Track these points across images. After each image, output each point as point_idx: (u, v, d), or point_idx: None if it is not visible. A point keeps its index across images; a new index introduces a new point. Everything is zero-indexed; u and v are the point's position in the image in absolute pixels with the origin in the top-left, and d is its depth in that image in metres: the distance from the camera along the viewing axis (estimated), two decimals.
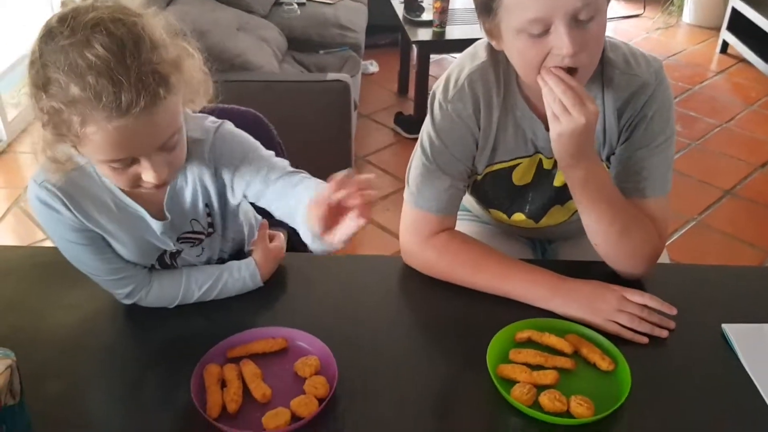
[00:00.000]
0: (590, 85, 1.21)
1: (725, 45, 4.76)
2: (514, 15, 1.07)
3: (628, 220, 1.21)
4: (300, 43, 3.60)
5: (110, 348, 1.18)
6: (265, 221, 1.34)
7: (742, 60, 4.61)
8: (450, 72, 1.27)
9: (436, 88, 1.28)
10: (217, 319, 1.21)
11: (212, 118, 1.19)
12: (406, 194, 1.32)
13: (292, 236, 1.70)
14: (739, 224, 3.03)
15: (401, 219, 1.33)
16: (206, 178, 1.17)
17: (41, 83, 0.92)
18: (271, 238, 1.32)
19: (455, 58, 1.31)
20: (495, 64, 1.23)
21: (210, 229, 1.24)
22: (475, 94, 1.23)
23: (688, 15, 5.30)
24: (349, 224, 0.93)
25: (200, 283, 1.23)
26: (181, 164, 1.07)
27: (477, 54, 1.26)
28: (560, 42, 1.05)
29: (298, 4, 3.86)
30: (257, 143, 1.21)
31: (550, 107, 1.09)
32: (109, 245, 1.17)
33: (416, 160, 1.30)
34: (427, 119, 1.28)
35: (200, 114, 1.17)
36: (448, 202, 1.28)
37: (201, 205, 1.20)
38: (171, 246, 1.21)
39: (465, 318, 1.22)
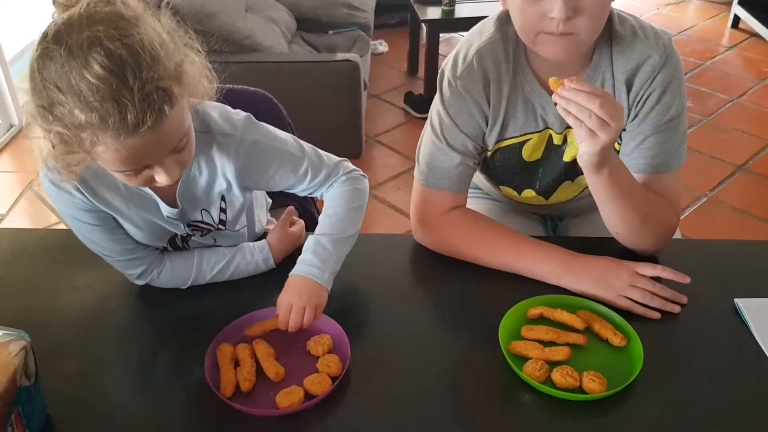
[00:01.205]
0: (598, 57, 1.21)
1: (737, 19, 4.71)
2: None
3: (648, 206, 1.21)
4: (309, 24, 3.59)
5: (124, 329, 1.18)
6: (292, 208, 1.33)
7: (754, 34, 4.56)
8: (458, 49, 1.27)
9: (445, 65, 1.27)
10: (229, 299, 1.22)
11: (236, 111, 1.17)
12: (416, 173, 1.32)
13: (303, 215, 1.71)
14: (751, 199, 3.02)
15: (412, 197, 1.33)
16: (228, 173, 1.15)
17: (46, 104, 0.90)
18: (292, 224, 1.32)
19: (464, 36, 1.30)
20: (504, 39, 1.23)
21: (221, 226, 1.23)
22: (485, 70, 1.22)
23: None
24: None
25: (212, 263, 1.23)
26: (191, 157, 1.05)
27: (485, 30, 1.25)
28: (553, 4, 1.05)
29: None
30: (283, 141, 1.20)
31: (578, 130, 1.05)
32: (121, 226, 1.18)
33: (426, 138, 1.30)
34: (437, 97, 1.28)
35: (218, 104, 1.14)
36: (459, 180, 1.28)
37: (216, 195, 1.18)
38: (182, 230, 1.21)
39: (477, 295, 1.22)
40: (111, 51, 0.87)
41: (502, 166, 1.35)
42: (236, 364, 1.06)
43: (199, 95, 1.02)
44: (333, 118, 2.98)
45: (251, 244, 1.27)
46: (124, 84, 0.87)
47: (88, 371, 1.09)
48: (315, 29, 3.58)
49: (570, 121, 1.05)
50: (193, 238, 1.25)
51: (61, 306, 1.21)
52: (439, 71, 1.28)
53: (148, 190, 1.14)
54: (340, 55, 2.96)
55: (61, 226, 2.86)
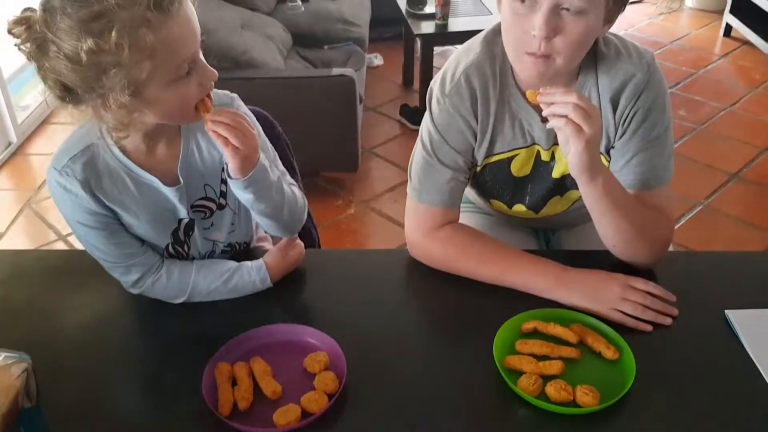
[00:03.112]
0: (584, 77, 1.23)
1: (729, 28, 4.74)
2: None
3: (642, 218, 1.22)
4: (304, 39, 3.62)
5: (123, 348, 1.20)
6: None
7: (746, 43, 4.59)
8: (446, 68, 1.29)
9: (434, 83, 1.30)
10: (225, 317, 1.23)
11: (225, 91, 1.26)
12: (408, 189, 1.34)
13: (299, 232, 1.73)
14: (746, 207, 3.04)
15: (405, 213, 1.35)
16: None
17: (96, 30, 0.95)
18: (292, 247, 1.33)
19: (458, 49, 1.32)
20: (491, 57, 1.25)
21: (222, 200, 1.27)
22: (472, 88, 1.25)
23: None
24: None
25: (209, 281, 1.25)
26: (215, 80, 1.11)
27: (472, 49, 1.27)
28: (536, 21, 1.08)
29: (302, 0, 3.87)
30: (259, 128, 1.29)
31: (563, 131, 1.09)
32: (124, 228, 1.21)
33: (417, 155, 1.32)
34: (426, 114, 1.30)
35: None
36: (450, 195, 1.30)
37: (217, 165, 1.24)
38: (184, 213, 1.24)
39: (471, 310, 1.24)
40: None
41: (492, 181, 1.37)
42: (234, 382, 1.07)
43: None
44: (329, 132, 3.01)
45: (249, 263, 1.28)
46: None
47: (89, 391, 1.10)
48: (311, 44, 3.60)
49: (555, 123, 1.09)
50: (194, 231, 1.27)
51: (61, 326, 1.23)
52: (428, 89, 1.31)
53: (149, 176, 1.18)
54: (336, 70, 2.98)
55: (60, 246, 2.88)
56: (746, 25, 4.46)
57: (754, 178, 3.24)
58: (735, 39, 4.72)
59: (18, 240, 2.93)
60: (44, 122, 3.83)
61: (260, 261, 1.28)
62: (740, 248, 2.77)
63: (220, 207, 1.29)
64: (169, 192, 1.20)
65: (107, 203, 1.17)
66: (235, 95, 1.27)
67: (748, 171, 3.29)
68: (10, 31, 1.00)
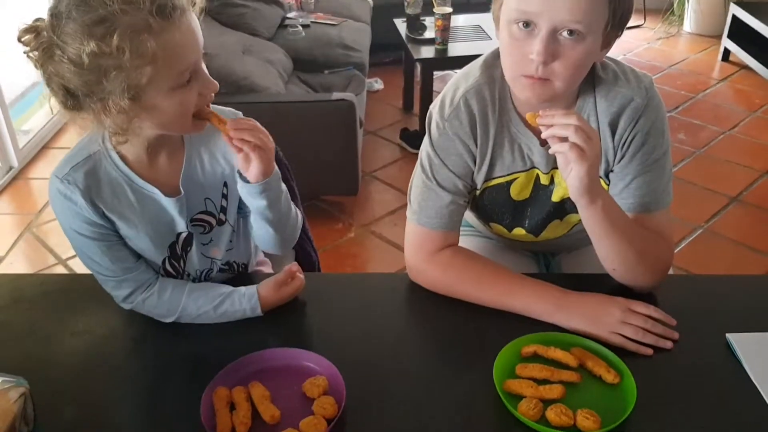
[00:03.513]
0: (582, 101, 1.24)
1: (727, 52, 4.77)
2: (512, 4, 1.11)
3: (642, 241, 1.22)
4: (305, 64, 3.64)
5: (121, 373, 1.19)
6: (292, 268, 1.31)
7: (744, 67, 4.62)
8: (445, 92, 1.30)
9: (433, 107, 1.31)
10: (224, 341, 1.23)
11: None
12: (408, 212, 1.34)
13: (300, 253, 1.73)
14: (746, 231, 3.04)
15: (405, 237, 1.35)
16: (229, 155, 1.25)
17: (98, 34, 0.98)
18: (289, 282, 1.30)
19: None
20: (490, 82, 1.26)
21: (222, 215, 1.29)
22: (471, 112, 1.25)
23: (688, 24, 5.33)
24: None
25: (200, 304, 1.25)
26: (216, 91, 1.14)
27: (471, 73, 1.28)
28: (534, 46, 1.09)
29: (303, 26, 3.91)
30: None
31: (564, 154, 1.08)
32: (122, 242, 1.22)
33: (417, 178, 1.32)
34: (426, 138, 1.31)
35: None
36: (450, 218, 1.30)
37: (219, 179, 1.26)
38: (183, 226, 1.25)
39: (471, 333, 1.23)
40: None
41: (491, 205, 1.38)
42: (232, 407, 1.07)
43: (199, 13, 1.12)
44: (330, 156, 3.02)
45: (242, 290, 1.27)
46: None
47: (86, 416, 1.09)
48: (311, 69, 3.63)
49: (557, 147, 1.09)
50: (192, 247, 1.28)
51: (59, 351, 1.22)
52: (428, 113, 1.32)
53: (150, 186, 1.20)
54: (336, 95, 3.00)
55: (60, 269, 2.88)
56: (744, 49, 4.49)
57: (754, 202, 3.24)
58: (733, 63, 4.76)
59: (18, 264, 2.93)
60: (45, 147, 3.85)
61: (253, 289, 1.27)
62: (741, 272, 2.77)
63: (220, 222, 1.30)
64: (169, 203, 1.21)
65: (107, 213, 1.18)
66: (239, 113, 1.28)
67: (748, 194, 3.30)
68: (20, 39, 1.04)
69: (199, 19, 1.09)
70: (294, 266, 1.31)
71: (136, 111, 1.05)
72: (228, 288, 1.28)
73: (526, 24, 1.09)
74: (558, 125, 1.08)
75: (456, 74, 1.33)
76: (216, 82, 1.12)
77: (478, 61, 1.29)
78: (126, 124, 1.07)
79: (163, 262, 1.28)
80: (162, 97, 1.06)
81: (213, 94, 1.13)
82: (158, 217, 1.23)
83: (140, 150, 1.18)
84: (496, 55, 1.26)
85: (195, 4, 1.09)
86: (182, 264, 1.30)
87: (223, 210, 1.29)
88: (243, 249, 1.38)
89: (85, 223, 1.17)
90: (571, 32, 1.08)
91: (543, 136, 1.11)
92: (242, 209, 1.34)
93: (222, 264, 1.35)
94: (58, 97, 1.05)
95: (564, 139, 1.08)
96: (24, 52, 1.04)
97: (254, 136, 1.13)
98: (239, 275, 1.40)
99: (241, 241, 1.36)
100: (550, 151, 1.12)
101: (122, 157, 1.18)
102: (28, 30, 1.03)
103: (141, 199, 1.20)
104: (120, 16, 0.98)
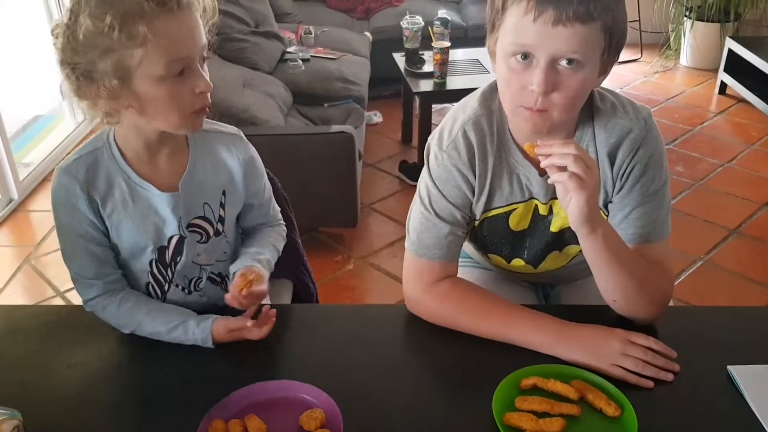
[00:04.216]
0: (581, 132, 1.25)
1: (723, 86, 4.81)
2: (508, 38, 1.12)
3: (642, 272, 1.22)
4: (305, 97, 3.67)
5: (116, 406, 1.18)
6: (273, 311, 1.29)
7: (741, 100, 4.66)
8: (444, 124, 1.31)
9: (431, 139, 1.31)
10: (221, 373, 1.22)
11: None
12: (407, 243, 1.34)
13: (298, 286, 1.72)
14: (746, 263, 3.03)
15: (404, 268, 1.34)
16: (231, 165, 1.32)
17: (96, 13, 1.05)
18: (246, 330, 1.26)
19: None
20: (488, 113, 1.27)
21: (219, 225, 1.32)
22: (470, 143, 1.26)
23: (685, 58, 5.38)
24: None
25: (155, 324, 1.27)
26: (210, 91, 1.16)
27: (469, 105, 1.29)
28: (534, 78, 1.10)
29: (303, 60, 3.95)
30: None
31: (563, 184, 1.09)
32: (107, 245, 1.27)
33: (415, 209, 1.33)
34: (424, 170, 1.31)
35: None
36: (449, 250, 1.30)
37: (218, 186, 1.31)
38: (176, 228, 1.27)
39: (470, 366, 1.22)
40: None
41: (490, 236, 1.38)
42: None
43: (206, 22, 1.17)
44: (329, 188, 3.03)
45: (196, 320, 1.26)
46: None
47: None
48: (311, 102, 3.65)
49: (556, 177, 1.09)
50: (184, 251, 1.30)
51: (54, 383, 1.21)
52: (426, 145, 1.32)
53: (147, 184, 1.24)
54: (335, 127, 3.02)
55: (58, 301, 2.87)
56: (740, 83, 4.53)
57: (754, 234, 3.24)
58: (730, 96, 4.79)
59: (16, 296, 2.92)
60: (45, 179, 3.86)
61: (209, 323, 1.26)
62: (741, 304, 2.77)
63: (217, 233, 1.32)
64: (163, 199, 1.25)
65: (100, 207, 1.23)
66: (240, 132, 1.36)
67: (747, 226, 3.30)
68: (53, 32, 1.12)
69: (209, 23, 1.18)
70: (248, 323, 1.26)
71: (125, 95, 1.11)
72: (186, 315, 1.28)
73: (525, 56, 1.10)
74: (557, 155, 1.09)
75: (454, 106, 1.34)
76: (210, 83, 1.15)
77: (476, 94, 1.30)
78: (117, 106, 1.13)
79: (150, 264, 1.30)
80: (150, 85, 1.10)
81: (208, 95, 1.16)
82: (148, 215, 1.26)
83: (140, 147, 1.23)
84: (493, 88, 1.27)
85: (205, 9, 1.16)
86: (170, 273, 1.32)
87: (221, 220, 1.32)
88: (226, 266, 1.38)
89: (76, 216, 1.23)
90: (569, 61, 1.09)
91: (542, 165, 1.11)
92: (241, 226, 1.42)
93: (213, 273, 1.37)
94: (71, 81, 1.11)
95: (563, 169, 1.09)
96: (53, 44, 1.12)
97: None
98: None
99: (232, 254, 1.39)
100: (549, 181, 1.12)
101: (123, 154, 1.23)
102: (59, 25, 1.11)
103: (133, 193, 1.24)
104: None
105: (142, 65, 1.08)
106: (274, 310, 1.29)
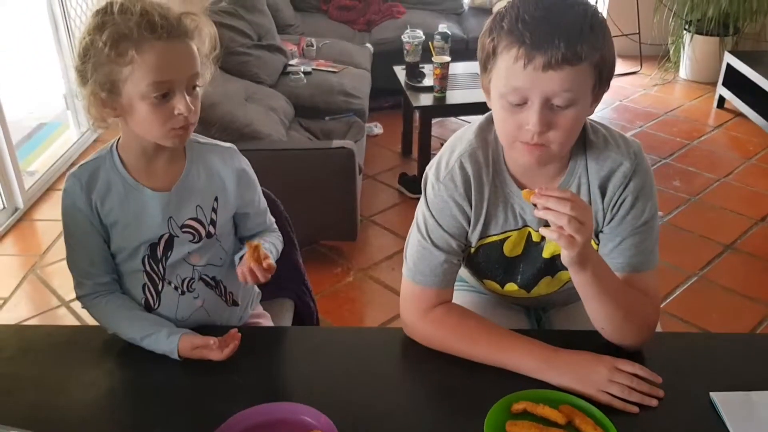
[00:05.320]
0: (574, 164, 1.30)
1: (722, 100, 4.85)
2: (501, 80, 1.18)
3: (630, 302, 1.27)
4: (306, 110, 3.71)
5: (126, 426, 1.21)
6: (238, 335, 1.34)
7: (739, 114, 4.69)
8: (441, 154, 1.36)
9: (429, 169, 1.36)
10: (221, 395, 1.25)
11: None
12: (404, 269, 1.39)
13: (299, 305, 1.77)
14: (741, 279, 3.06)
15: (401, 294, 1.39)
16: (224, 174, 1.40)
17: (96, 31, 1.18)
18: (209, 349, 1.31)
19: (457, 119, 1.39)
20: (484, 145, 1.32)
21: (211, 227, 1.40)
22: (466, 174, 1.31)
23: (684, 71, 5.42)
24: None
25: (132, 330, 1.36)
26: (197, 118, 1.28)
27: (466, 137, 1.34)
28: (529, 118, 1.15)
29: (305, 73, 3.99)
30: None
31: (559, 240, 1.13)
32: (102, 246, 1.37)
33: (413, 237, 1.38)
34: (422, 199, 1.36)
35: None
36: (444, 277, 1.35)
37: (211, 192, 1.39)
38: (166, 228, 1.36)
39: (463, 389, 1.26)
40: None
41: (485, 262, 1.42)
42: None
43: (204, 67, 1.28)
44: (329, 202, 3.07)
45: (167, 332, 1.34)
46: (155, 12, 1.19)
47: None
48: (312, 116, 3.69)
49: (549, 234, 1.14)
50: (173, 247, 1.38)
51: (66, 403, 1.25)
52: (424, 174, 1.37)
53: (141, 186, 1.34)
54: (336, 142, 3.07)
55: (62, 310, 2.91)
56: (738, 97, 4.57)
57: (749, 250, 3.27)
58: (728, 110, 4.82)
59: (22, 305, 2.96)
60: (51, 188, 3.90)
61: (177, 336, 1.33)
62: (735, 320, 2.80)
63: (209, 235, 1.40)
64: (155, 198, 1.35)
65: (98, 207, 1.33)
66: (234, 146, 1.46)
67: (742, 242, 3.33)
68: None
69: (208, 60, 1.29)
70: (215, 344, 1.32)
71: (115, 106, 1.23)
72: (161, 325, 1.36)
73: (519, 97, 1.15)
74: (553, 212, 1.11)
75: (452, 136, 1.39)
76: (191, 107, 1.24)
77: (473, 125, 1.35)
78: (107, 115, 1.25)
79: (143, 262, 1.38)
80: (134, 100, 1.21)
81: (192, 117, 1.25)
82: (141, 214, 1.35)
83: (138, 155, 1.34)
84: (489, 120, 1.32)
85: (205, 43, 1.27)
86: (161, 268, 1.39)
87: (213, 223, 1.40)
88: (234, 277, 1.42)
89: (77, 214, 1.34)
90: (562, 102, 1.14)
91: (537, 215, 1.14)
92: (240, 236, 1.50)
93: (206, 276, 1.43)
94: (78, 83, 1.24)
95: None
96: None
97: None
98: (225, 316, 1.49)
99: (232, 268, 1.45)
100: (542, 232, 1.17)
101: (123, 161, 1.34)
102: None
103: (129, 194, 1.34)
104: (114, 21, 1.18)
105: (128, 82, 1.20)
106: (240, 334, 1.33)
